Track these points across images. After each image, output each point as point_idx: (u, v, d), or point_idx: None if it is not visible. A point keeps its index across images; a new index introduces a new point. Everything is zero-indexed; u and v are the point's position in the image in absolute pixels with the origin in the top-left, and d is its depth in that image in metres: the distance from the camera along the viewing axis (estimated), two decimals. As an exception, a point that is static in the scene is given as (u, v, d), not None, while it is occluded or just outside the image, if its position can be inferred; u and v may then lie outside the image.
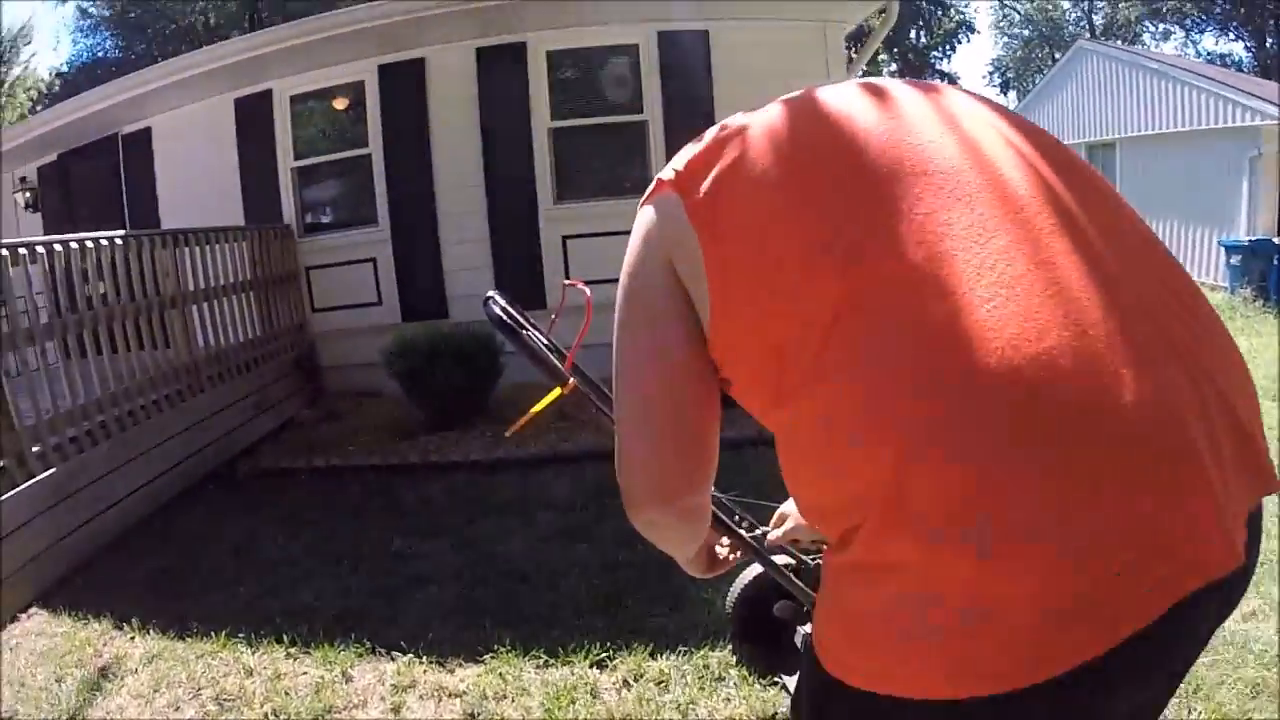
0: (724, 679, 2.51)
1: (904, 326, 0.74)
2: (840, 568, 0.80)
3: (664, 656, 2.60)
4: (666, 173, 0.92)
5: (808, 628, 2.51)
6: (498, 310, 1.44)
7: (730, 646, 2.63)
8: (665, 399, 0.89)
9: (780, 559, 2.10)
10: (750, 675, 2.51)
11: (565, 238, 6.48)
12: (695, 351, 0.88)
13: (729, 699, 2.42)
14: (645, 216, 0.92)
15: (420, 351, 5.27)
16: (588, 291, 1.30)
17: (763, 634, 2.64)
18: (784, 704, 2.41)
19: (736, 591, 2.59)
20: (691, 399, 0.90)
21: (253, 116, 6.94)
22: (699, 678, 2.51)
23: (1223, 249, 9.80)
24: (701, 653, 2.61)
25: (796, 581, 2.09)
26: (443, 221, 6.64)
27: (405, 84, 6.53)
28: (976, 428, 0.69)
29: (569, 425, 5.09)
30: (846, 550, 0.77)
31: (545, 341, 1.48)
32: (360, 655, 2.72)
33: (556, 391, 1.46)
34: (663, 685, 2.48)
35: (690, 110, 6.16)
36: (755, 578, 2.58)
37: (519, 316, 1.47)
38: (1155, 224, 9.59)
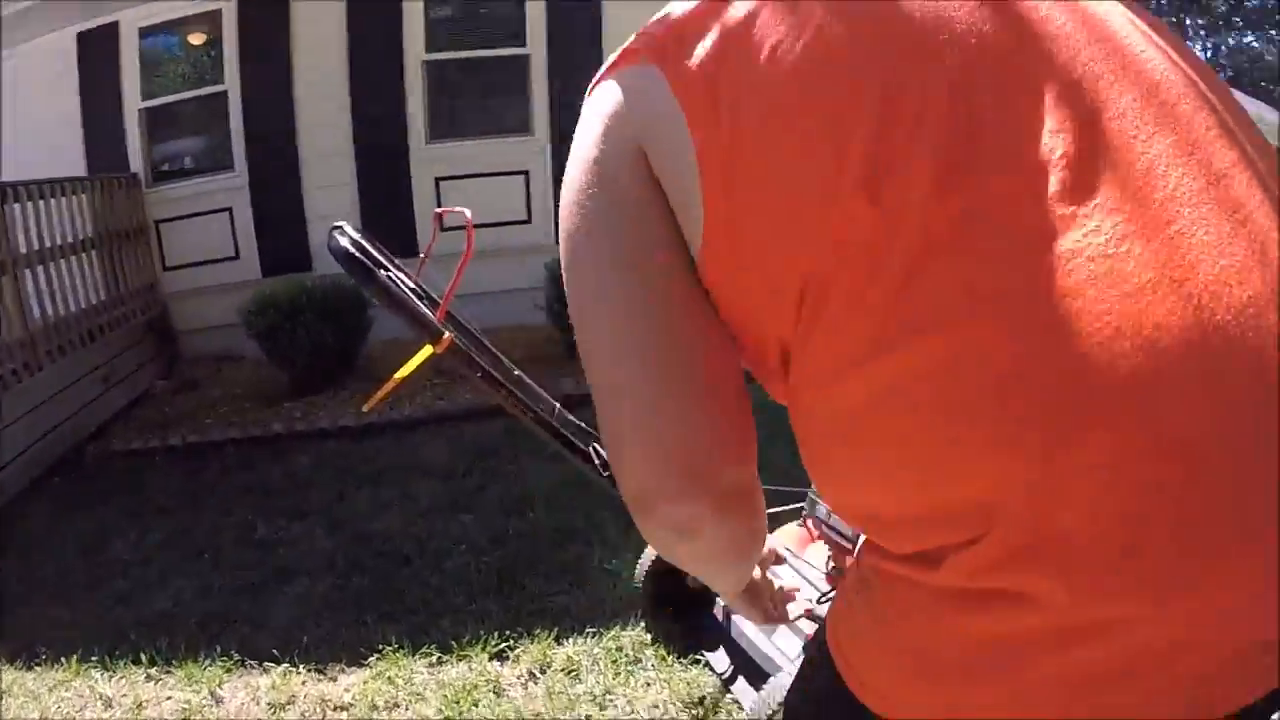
0: (640, 661, 2.27)
1: (1048, 264, 0.50)
2: (920, 589, 0.58)
3: (571, 641, 2.34)
4: (636, 40, 0.66)
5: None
6: (346, 244, 1.09)
7: (644, 624, 2.38)
8: (658, 334, 0.62)
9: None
10: (669, 654, 2.29)
11: (439, 179, 5.96)
12: (684, 265, 0.62)
13: (649, 683, 2.19)
14: (603, 98, 0.65)
15: (281, 308, 4.73)
16: (468, 214, 1.00)
17: (679, 608, 2.41)
18: (710, 683, 2.19)
19: (646, 563, 2.34)
20: (695, 329, 0.62)
21: (97, 52, 6.02)
22: (613, 662, 2.26)
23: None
24: (612, 633, 2.37)
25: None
26: (306, 165, 5.98)
27: (266, 13, 5.77)
28: (1175, 414, 0.48)
29: (446, 382, 4.71)
30: (936, 570, 0.56)
31: (412, 286, 1.14)
32: (229, 670, 2.32)
33: (427, 350, 1.14)
34: (573, 674, 2.23)
35: (577, 42, 5.73)
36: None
37: (376, 253, 1.12)
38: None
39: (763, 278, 0.60)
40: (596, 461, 1.35)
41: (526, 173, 5.96)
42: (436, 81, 6.03)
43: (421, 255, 1.15)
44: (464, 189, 5.77)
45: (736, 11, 0.60)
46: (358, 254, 1.09)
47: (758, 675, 2.11)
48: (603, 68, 0.67)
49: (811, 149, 0.56)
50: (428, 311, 1.15)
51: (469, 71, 6.25)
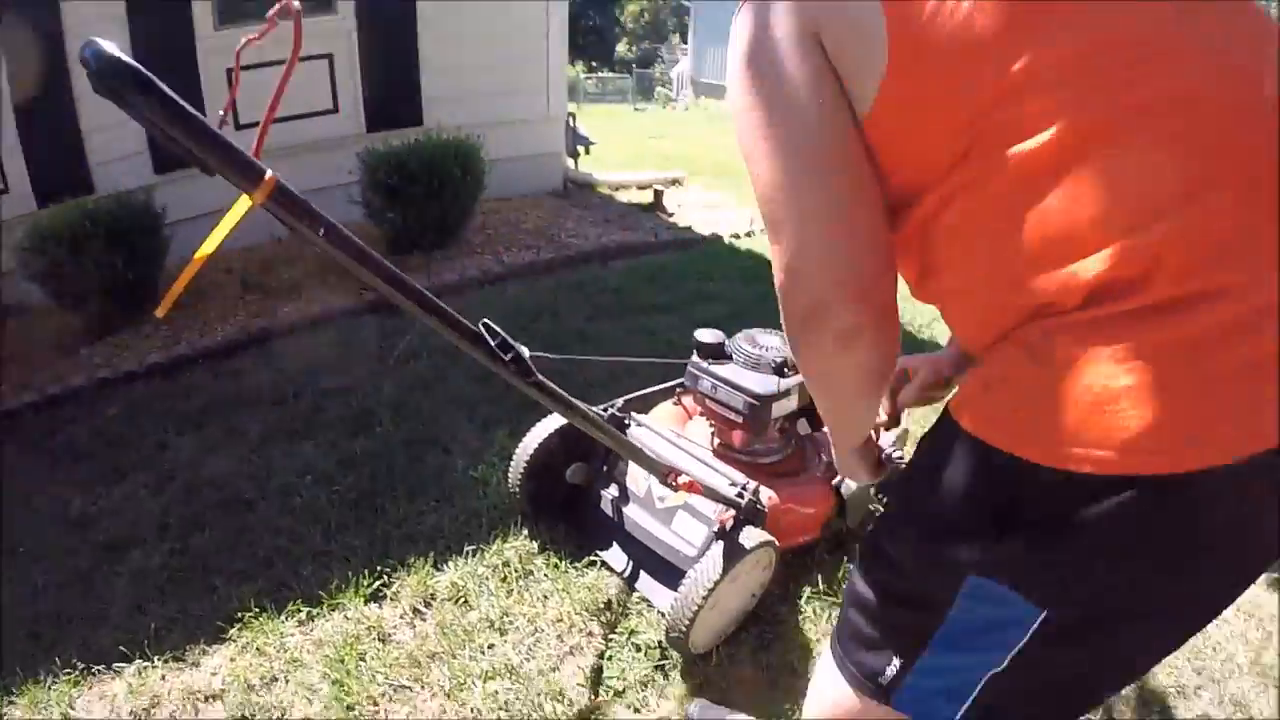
0: (532, 573, 2.15)
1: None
2: (1112, 322, 0.71)
3: (452, 565, 2.19)
4: None
5: (612, 490, 2.17)
6: (112, 52, 0.76)
7: (527, 532, 2.24)
8: (844, 171, 0.81)
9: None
10: (561, 560, 2.16)
11: (230, 70, 5.11)
12: (852, 120, 0.81)
13: (546, 595, 2.08)
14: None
15: (61, 241, 4.01)
16: (296, 3, 0.89)
17: (563, 507, 2.27)
18: (612, 584, 2.10)
19: (522, 463, 2.17)
20: (868, 169, 0.82)
21: None
22: (502, 580, 2.13)
23: None
24: (494, 549, 2.23)
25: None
26: (75, 65, 4.95)
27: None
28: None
29: (259, 297, 4.23)
30: (1132, 297, 0.71)
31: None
32: (76, 683, 1.96)
33: (243, 203, 0.90)
34: (462, 602, 2.07)
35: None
36: (541, 444, 2.17)
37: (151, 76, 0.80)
38: None
39: (939, 114, 0.77)
40: (492, 343, 1.20)
41: (330, 56, 5.28)
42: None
43: (221, 111, 0.99)
44: (260, 78, 4.97)
45: None
46: (132, 62, 0.76)
47: (662, 568, 2.02)
48: None
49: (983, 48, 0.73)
50: (240, 151, 0.88)
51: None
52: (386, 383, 3.24)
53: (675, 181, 7.78)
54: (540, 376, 1.29)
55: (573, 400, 1.43)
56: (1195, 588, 0.80)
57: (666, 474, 1.71)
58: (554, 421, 2.19)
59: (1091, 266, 0.71)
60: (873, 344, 0.84)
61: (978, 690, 0.92)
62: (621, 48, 38.06)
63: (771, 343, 2.14)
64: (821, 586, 2.11)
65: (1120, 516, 0.72)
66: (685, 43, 26.29)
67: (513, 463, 2.22)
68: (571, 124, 7.13)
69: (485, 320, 1.21)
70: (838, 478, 2.14)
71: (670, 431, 2.21)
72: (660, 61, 30.22)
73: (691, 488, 1.71)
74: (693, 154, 10.25)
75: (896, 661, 0.99)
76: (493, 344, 1.20)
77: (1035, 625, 0.83)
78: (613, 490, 2.18)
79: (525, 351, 1.25)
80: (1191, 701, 2.23)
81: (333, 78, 5.39)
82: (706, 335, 2.11)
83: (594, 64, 32.97)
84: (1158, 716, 2.13)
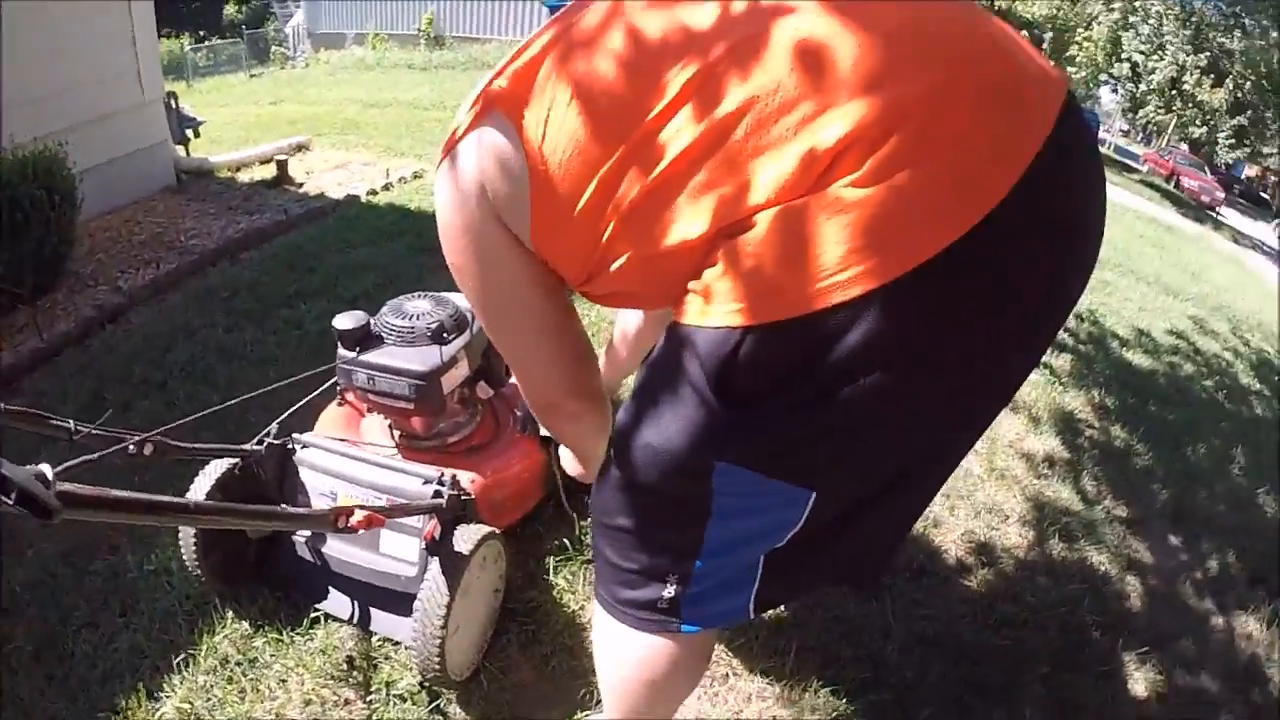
0: (257, 660, 1.84)
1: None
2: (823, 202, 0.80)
3: (168, 688, 1.77)
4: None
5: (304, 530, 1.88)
6: None
7: (231, 614, 1.93)
8: (538, 315, 1.12)
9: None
10: (282, 631, 1.89)
11: None
12: (543, 279, 1.08)
13: (283, 679, 1.79)
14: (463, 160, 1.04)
15: None
16: None
17: (251, 566, 1.95)
18: (346, 636, 1.86)
19: (191, 540, 1.82)
20: (560, 302, 1.12)
21: None
22: (230, 681, 1.80)
23: None
24: (205, 646, 1.87)
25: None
26: None
27: None
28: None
29: None
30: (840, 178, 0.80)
31: None
32: None
33: None
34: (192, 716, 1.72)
35: None
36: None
37: None
38: None
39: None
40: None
41: None
42: None
43: None
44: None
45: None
46: None
47: (390, 597, 1.80)
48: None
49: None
50: None
51: None
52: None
53: (300, 148, 7.09)
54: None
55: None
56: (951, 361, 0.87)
57: (335, 520, 1.45)
58: (209, 475, 1.82)
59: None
60: (596, 412, 1.24)
61: (760, 569, 1.01)
62: (230, 10, 33.72)
63: (421, 308, 1.88)
64: (567, 547, 2.02)
65: (864, 333, 0.79)
66: (297, -5, 23.84)
67: (181, 540, 1.86)
68: (174, 105, 6.13)
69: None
70: (539, 427, 2.01)
71: (342, 442, 1.95)
72: (273, 19, 27.30)
73: (371, 522, 1.47)
74: (317, 114, 9.41)
75: (673, 580, 1.02)
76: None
77: (810, 503, 0.92)
78: (304, 530, 1.90)
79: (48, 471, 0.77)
80: (951, 523, 2.46)
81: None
82: (346, 321, 1.82)
83: (201, 34, 29.02)
84: (919, 550, 2.32)
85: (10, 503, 0.74)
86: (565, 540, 2.06)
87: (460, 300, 1.94)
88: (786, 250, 0.80)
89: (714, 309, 0.85)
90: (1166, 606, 2.36)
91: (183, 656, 1.84)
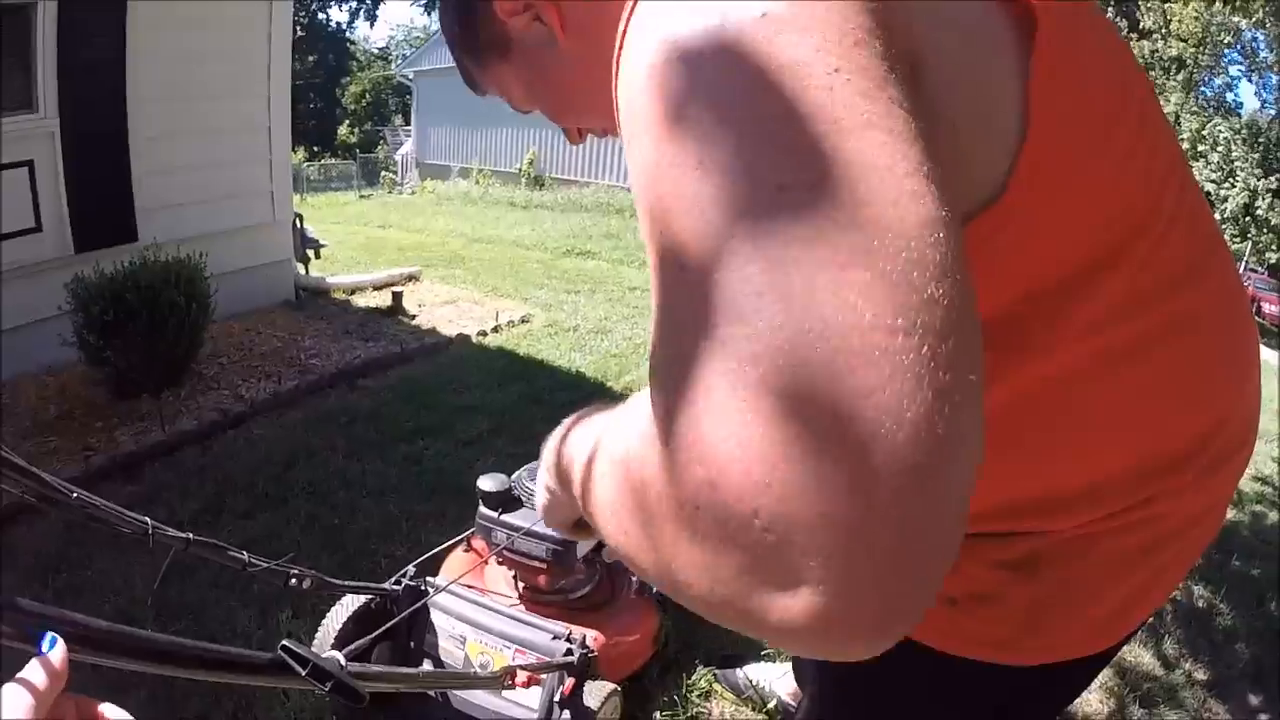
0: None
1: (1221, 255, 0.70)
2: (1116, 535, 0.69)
3: None
4: None
5: (427, 666, 1.94)
6: None
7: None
8: (948, 306, 0.34)
9: None
10: None
11: None
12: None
13: None
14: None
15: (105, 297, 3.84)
16: None
17: (375, 699, 1.99)
18: None
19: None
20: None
21: None
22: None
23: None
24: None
25: None
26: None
27: None
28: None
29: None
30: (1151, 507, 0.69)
31: None
32: None
33: None
34: None
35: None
36: (338, 634, 1.90)
37: None
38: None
39: (1079, 211, 0.55)
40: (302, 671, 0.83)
41: (31, 163, 4.35)
42: None
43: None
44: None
45: None
46: None
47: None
48: None
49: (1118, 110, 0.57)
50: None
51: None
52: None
53: (412, 278, 7.42)
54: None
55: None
56: None
57: (502, 680, 1.53)
58: (348, 605, 1.94)
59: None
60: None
61: None
62: (343, 131, 36.98)
63: None
64: (675, 704, 2.02)
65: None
66: (408, 124, 26.05)
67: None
68: (299, 226, 6.65)
69: (285, 643, 0.83)
70: (654, 588, 2.07)
71: (471, 590, 2.03)
72: (384, 144, 29.67)
73: (531, 682, 1.56)
74: (424, 243, 9.92)
75: None
76: (303, 672, 0.82)
77: None
78: (427, 666, 1.97)
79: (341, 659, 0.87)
80: None
81: (34, 189, 4.42)
82: (489, 483, 1.93)
83: (316, 149, 31.83)
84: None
85: (325, 689, 0.83)
86: (674, 696, 2.06)
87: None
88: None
89: (997, 640, 0.78)
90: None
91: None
